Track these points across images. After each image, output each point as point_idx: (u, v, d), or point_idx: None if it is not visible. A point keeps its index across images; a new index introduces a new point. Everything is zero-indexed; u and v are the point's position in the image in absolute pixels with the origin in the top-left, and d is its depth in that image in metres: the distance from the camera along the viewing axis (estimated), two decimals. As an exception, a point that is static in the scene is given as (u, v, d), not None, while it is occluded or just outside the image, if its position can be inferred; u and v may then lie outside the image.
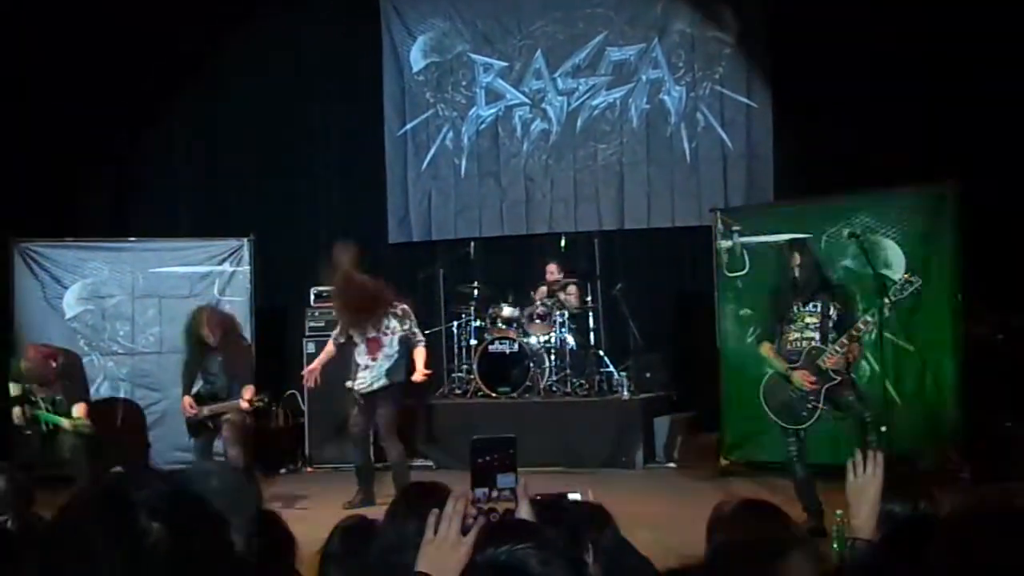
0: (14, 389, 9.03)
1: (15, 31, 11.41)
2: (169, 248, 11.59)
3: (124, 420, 10.91)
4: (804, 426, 7.20)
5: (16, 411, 8.93)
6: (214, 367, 9.04)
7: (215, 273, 11.39)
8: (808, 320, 7.23)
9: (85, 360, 10.16)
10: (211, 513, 1.67)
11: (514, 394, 11.05)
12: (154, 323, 11.26)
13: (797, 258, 7.34)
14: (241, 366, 9.05)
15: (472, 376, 11.30)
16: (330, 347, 9.16)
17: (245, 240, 11.47)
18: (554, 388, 11.14)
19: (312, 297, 11.55)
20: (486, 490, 2.49)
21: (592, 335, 11.52)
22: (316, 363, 9.14)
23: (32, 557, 2.76)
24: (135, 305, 11.29)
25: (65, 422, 8.73)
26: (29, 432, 8.95)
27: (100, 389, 10.85)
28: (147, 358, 11.24)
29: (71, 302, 11.22)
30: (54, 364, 9.02)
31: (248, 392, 8.83)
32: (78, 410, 8.81)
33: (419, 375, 8.95)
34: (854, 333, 7.08)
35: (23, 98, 11.55)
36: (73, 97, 11.98)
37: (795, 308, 7.27)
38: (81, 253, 11.35)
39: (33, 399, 8.89)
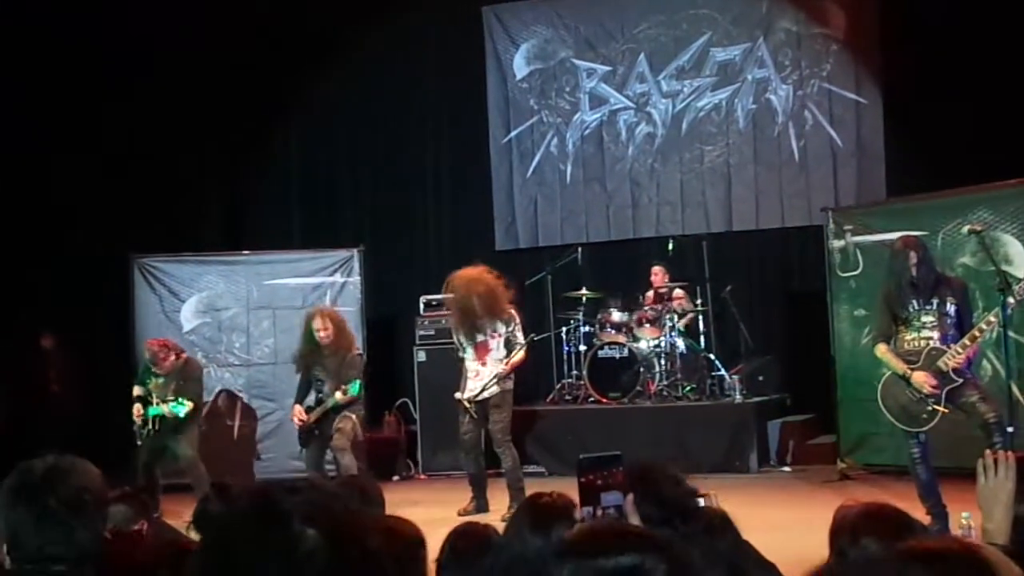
0: (137, 390, 9.33)
1: (132, 50, 11.78)
2: (281, 260, 11.80)
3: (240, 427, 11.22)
4: (925, 428, 7.00)
5: (136, 407, 9.20)
6: (322, 372, 9.13)
7: (326, 284, 11.57)
8: (925, 319, 7.02)
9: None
10: (360, 520, 1.68)
11: (625, 399, 10.98)
12: (268, 334, 11.47)
13: (914, 256, 7.11)
14: (349, 369, 9.07)
15: (582, 382, 11.27)
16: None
17: (355, 251, 11.63)
18: (665, 393, 11.05)
19: (422, 306, 11.65)
20: (591, 509, 2.49)
21: (702, 338, 11.41)
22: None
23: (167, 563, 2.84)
24: (250, 317, 11.53)
25: (164, 408, 8.95)
26: (140, 440, 9.19)
27: (218, 401, 11.16)
28: (262, 369, 11.45)
29: (188, 315, 11.49)
30: (174, 357, 9.28)
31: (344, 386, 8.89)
32: (186, 406, 9.04)
33: (506, 365, 8.81)
34: (976, 334, 6.87)
35: (137, 117, 11.89)
36: (185, 115, 12.31)
37: (912, 307, 7.07)
38: (197, 267, 11.62)
39: (149, 399, 9.15)
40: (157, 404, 9.07)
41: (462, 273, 9.00)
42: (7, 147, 11.25)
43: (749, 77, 12.18)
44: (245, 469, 10.83)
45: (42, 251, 11.73)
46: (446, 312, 10.09)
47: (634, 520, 2.45)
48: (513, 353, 8.83)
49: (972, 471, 2.96)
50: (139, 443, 9.20)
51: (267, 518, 1.60)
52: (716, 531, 2.91)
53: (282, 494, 1.64)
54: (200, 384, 9.61)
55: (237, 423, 11.26)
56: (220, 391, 11.27)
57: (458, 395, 8.91)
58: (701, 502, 2.89)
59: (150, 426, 9.10)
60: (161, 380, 9.22)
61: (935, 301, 7.02)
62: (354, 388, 8.92)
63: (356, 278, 11.57)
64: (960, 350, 6.84)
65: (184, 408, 9.01)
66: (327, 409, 8.96)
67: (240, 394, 11.42)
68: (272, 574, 1.56)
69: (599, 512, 2.48)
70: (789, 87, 12.01)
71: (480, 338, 8.86)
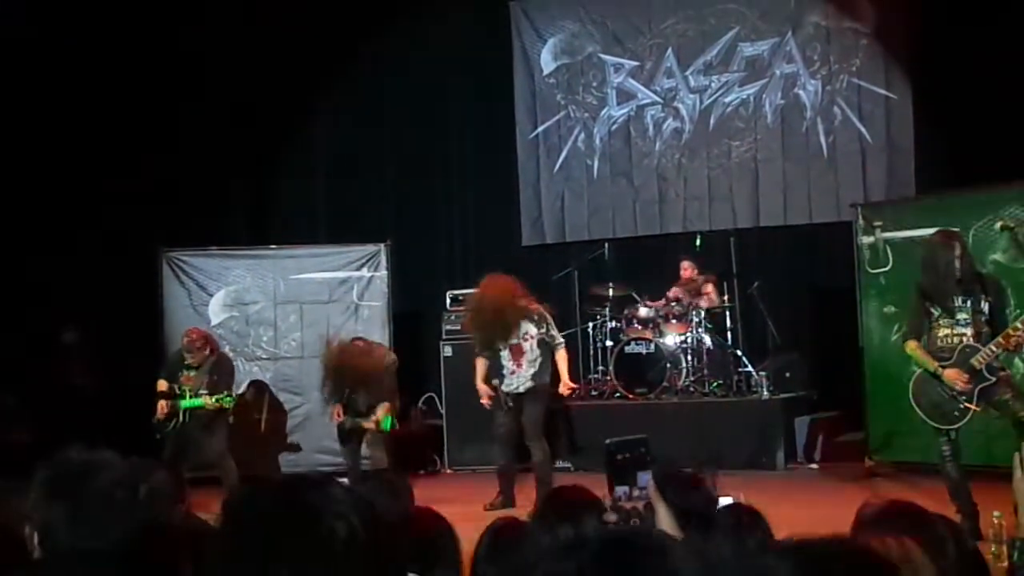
0: (162, 385, 9.38)
1: (156, 43, 11.82)
2: (309, 255, 11.83)
3: (267, 421, 11.26)
4: (956, 426, 6.92)
5: (160, 403, 9.22)
6: (362, 397, 9.33)
7: (353, 279, 11.59)
8: (960, 316, 6.93)
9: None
10: (388, 511, 1.68)
11: (651, 395, 10.96)
12: (295, 328, 11.50)
13: (958, 248, 7.01)
14: (382, 392, 9.31)
15: (608, 377, 11.25)
16: (480, 363, 9.06)
17: (382, 245, 11.64)
18: (691, 389, 11.01)
19: (448, 301, 11.66)
20: (627, 489, 2.47)
21: (729, 334, 11.36)
22: (481, 385, 9.01)
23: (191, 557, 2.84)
24: (277, 311, 11.56)
25: (209, 400, 9.01)
26: (163, 434, 9.21)
27: (246, 395, 11.20)
28: (289, 362, 11.49)
29: (216, 309, 11.53)
30: (207, 352, 9.34)
31: (381, 411, 9.13)
32: (233, 399, 9.18)
33: (564, 388, 8.97)
34: (1011, 332, 6.77)
35: (163, 111, 11.94)
36: (212, 109, 12.36)
37: (951, 302, 6.96)
38: (225, 261, 11.67)
39: (179, 391, 9.18)
40: (191, 397, 9.11)
41: (481, 288, 9.07)
42: (35, 142, 11.32)
43: (777, 72, 12.11)
44: (272, 463, 10.86)
45: (71, 245, 11.79)
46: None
47: (660, 506, 2.44)
48: (560, 360, 8.90)
49: (1004, 469, 2.93)
50: (160, 436, 9.21)
51: (296, 511, 1.60)
52: (744, 528, 2.90)
53: (310, 488, 1.65)
54: (232, 379, 9.68)
55: (265, 416, 11.29)
56: (249, 385, 11.29)
57: (495, 382, 8.91)
58: (729, 500, 2.86)
59: (180, 418, 9.14)
60: (193, 373, 9.26)
61: (971, 298, 6.93)
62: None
63: (383, 272, 11.58)
64: (994, 348, 6.74)
65: (231, 401, 9.09)
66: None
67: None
68: (311, 565, 1.56)
69: (635, 492, 2.46)
70: (818, 82, 11.93)
71: (513, 341, 8.83)
